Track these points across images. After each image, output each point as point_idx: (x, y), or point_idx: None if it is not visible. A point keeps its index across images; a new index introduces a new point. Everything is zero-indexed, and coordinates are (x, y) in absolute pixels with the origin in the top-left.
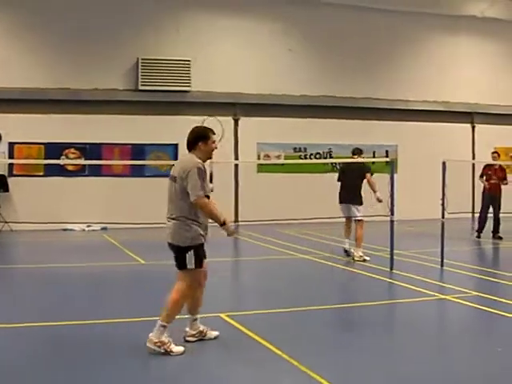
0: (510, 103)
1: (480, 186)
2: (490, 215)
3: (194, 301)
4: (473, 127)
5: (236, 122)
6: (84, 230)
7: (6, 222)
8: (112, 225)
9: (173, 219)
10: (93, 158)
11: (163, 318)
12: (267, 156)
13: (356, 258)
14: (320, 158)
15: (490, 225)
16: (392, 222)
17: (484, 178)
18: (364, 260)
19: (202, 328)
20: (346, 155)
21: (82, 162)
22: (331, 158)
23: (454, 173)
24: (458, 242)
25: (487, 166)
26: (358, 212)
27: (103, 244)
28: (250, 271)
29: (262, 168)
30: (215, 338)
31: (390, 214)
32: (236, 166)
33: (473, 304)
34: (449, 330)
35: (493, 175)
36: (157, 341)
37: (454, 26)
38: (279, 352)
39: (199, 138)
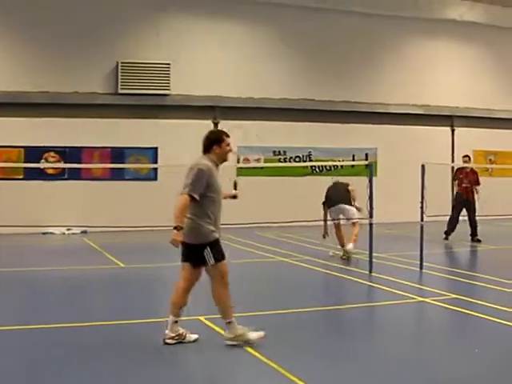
0: (489, 106)
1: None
2: (462, 218)
3: (178, 299)
4: (452, 130)
5: (216, 125)
6: (64, 233)
7: None
8: (92, 228)
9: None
10: (72, 162)
11: (222, 316)
12: (247, 159)
13: (348, 250)
14: (300, 162)
15: (465, 228)
16: (371, 224)
17: (456, 181)
18: (350, 257)
19: (181, 331)
20: (325, 158)
21: (62, 165)
22: (311, 161)
23: (434, 176)
24: (436, 245)
25: (458, 170)
26: (354, 212)
27: (83, 247)
28: (229, 274)
29: (241, 171)
30: (194, 340)
31: (368, 216)
32: None
33: (451, 306)
34: (427, 332)
35: (464, 179)
36: (233, 336)
37: (433, 30)
38: (258, 355)
39: (214, 142)
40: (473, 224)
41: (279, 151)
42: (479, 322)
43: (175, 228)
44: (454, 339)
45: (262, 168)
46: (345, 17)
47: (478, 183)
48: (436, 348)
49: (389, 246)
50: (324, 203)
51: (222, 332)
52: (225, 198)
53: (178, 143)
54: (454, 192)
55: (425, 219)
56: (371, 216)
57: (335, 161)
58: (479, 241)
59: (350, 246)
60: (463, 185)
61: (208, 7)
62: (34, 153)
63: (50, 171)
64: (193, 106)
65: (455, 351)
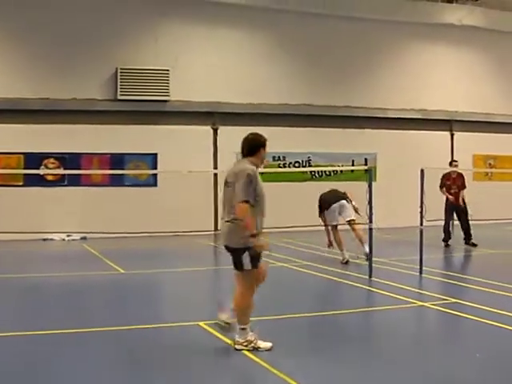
0: (488, 111)
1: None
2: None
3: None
4: (452, 135)
5: (215, 131)
6: (64, 239)
7: None
8: (91, 234)
9: (227, 222)
10: (72, 168)
11: (239, 321)
12: None
13: (367, 252)
14: (299, 167)
15: (459, 232)
16: (371, 229)
17: (444, 188)
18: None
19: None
20: (325, 163)
21: (62, 171)
22: (310, 166)
23: (433, 180)
24: (436, 250)
25: (446, 176)
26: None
27: (83, 253)
28: (229, 280)
29: None
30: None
31: (368, 221)
32: (215, 175)
33: (451, 311)
34: (428, 336)
35: (452, 185)
36: (243, 341)
37: (432, 34)
38: (258, 360)
39: (261, 145)
40: (466, 228)
41: (278, 156)
42: (479, 326)
43: (252, 236)
44: (454, 344)
45: (261, 174)
46: (343, 22)
47: (464, 187)
48: (436, 353)
49: (388, 251)
50: (320, 208)
51: (222, 337)
52: None
53: (178, 149)
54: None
55: (424, 224)
56: (371, 221)
57: (334, 166)
58: (474, 245)
59: (367, 249)
60: (452, 190)
61: (207, 13)
62: (33, 159)
63: (49, 178)
64: (192, 112)
65: (456, 356)
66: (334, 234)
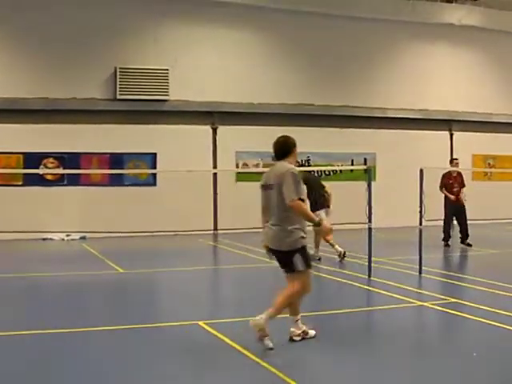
0: (488, 110)
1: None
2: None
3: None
4: (451, 135)
5: (214, 130)
6: (63, 239)
7: None
8: (91, 234)
9: (273, 225)
10: (71, 168)
11: (270, 313)
12: (245, 165)
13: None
14: (298, 167)
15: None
16: (370, 229)
17: (444, 188)
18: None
19: (304, 328)
20: (324, 163)
21: (61, 171)
22: (309, 166)
23: (433, 180)
24: (435, 249)
25: (446, 175)
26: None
27: (82, 253)
28: (228, 279)
29: (240, 177)
30: (314, 336)
31: (367, 221)
32: (215, 174)
33: (451, 310)
34: (426, 336)
35: (454, 183)
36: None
37: (431, 34)
38: (258, 359)
39: (294, 145)
40: (465, 229)
41: None
42: (478, 326)
43: (318, 225)
44: (453, 343)
45: (261, 174)
46: (343, 22)
47: (464, 185)
48: (435, 352)
49: (388, 251)
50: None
51: (222, 336)
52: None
53: (177, 148)
54: (443, 198)
55: (423, 223)
56: (370, 221)
57: (334, 165)
58: (469, 245)
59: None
60: (454, 189)
61: (206, 13)
62: (32, 159)
63: (49, 177)
64: (191, 112)
65: (454, 355)
66: (316, 236)
